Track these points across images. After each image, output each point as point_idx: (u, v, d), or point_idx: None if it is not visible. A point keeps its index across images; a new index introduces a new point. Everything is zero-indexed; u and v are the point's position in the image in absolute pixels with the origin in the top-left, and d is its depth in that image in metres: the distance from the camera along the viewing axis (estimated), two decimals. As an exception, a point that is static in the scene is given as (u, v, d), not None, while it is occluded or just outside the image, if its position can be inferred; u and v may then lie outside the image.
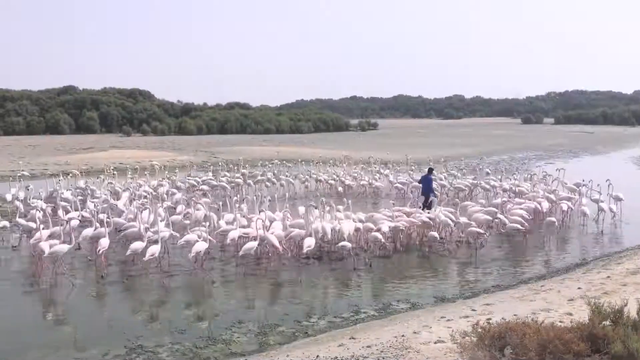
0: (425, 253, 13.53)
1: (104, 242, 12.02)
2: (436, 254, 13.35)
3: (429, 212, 14.63)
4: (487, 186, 20.35)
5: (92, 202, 16.63)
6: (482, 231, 13.47)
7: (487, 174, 23.36)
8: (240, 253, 11.77)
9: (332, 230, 12.97)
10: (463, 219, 14.02)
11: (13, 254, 13.70)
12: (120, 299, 10.64)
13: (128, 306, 10.25)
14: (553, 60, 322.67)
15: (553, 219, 15.39)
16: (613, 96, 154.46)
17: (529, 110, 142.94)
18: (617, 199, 17.41)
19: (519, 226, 14.15)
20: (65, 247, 11.51)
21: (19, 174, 21.42)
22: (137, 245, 11.68)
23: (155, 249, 11.45)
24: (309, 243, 12.03)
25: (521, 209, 15.50)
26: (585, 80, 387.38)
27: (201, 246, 11.61)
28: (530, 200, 17.02)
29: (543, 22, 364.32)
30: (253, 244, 11.83)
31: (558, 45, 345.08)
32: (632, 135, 72.45)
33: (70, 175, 21.80)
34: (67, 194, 17.89)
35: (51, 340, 8.41)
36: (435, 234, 13.58)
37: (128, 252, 11.70)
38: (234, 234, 12.51)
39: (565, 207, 16.51)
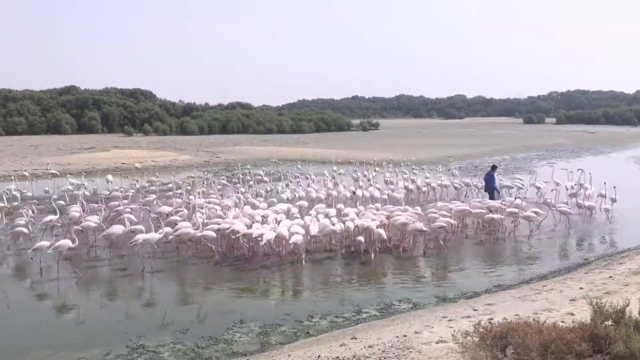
0: (427, 253, 13.51)
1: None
2: (437, 254, 13.34)
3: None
4: (539, 185, 20.00)
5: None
6: (425, 229, 13.47)
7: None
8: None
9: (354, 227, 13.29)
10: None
11: (13, 255, 13.72)
12: (121, 299, 10.65)
13: (130, 306, 10.24)
14: (555, 60, 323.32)
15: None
16: (615, 96, 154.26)
17: (531, 110, 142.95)
18: (584, 189, 18.15)
19: (444, 224, 13.90)
20: (156, 236, 12.13)
21: (13, 174, 21.56)
22: None
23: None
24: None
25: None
26: (587, 80, 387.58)
27: (270, 235, 12.35)
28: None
29: (544, 21, 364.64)
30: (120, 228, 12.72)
31: (560, 45, 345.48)
32: (634, 135, 72.29)
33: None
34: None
35: (53, 341, 8.41)
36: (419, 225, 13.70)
37: None
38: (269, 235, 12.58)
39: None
